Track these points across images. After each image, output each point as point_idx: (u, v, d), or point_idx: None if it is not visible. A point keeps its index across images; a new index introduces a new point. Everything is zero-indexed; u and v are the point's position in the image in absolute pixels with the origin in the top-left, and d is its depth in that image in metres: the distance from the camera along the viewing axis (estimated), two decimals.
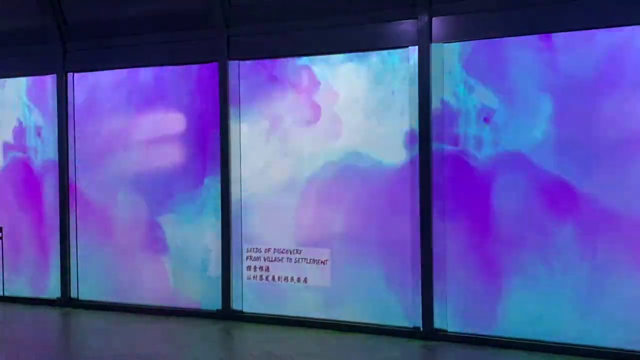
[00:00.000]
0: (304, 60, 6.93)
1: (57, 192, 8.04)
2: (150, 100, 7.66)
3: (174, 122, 7.55)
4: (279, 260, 7.08)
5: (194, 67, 7.42)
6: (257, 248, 7.18)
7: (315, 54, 6.87)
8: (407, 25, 6.46)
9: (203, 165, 7.39)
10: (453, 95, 6.28)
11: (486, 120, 6.14)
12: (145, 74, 7.65)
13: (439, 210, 6.33)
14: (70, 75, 8.02)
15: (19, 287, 8.34)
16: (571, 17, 5.82)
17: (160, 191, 7.61)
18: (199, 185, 7.42)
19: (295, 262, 7.01)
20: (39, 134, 8.22)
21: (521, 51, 6.01)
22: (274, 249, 7.10)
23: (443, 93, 6.31)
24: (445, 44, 6.30)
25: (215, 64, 7.27)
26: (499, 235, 6.08)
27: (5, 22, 8.15)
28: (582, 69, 5.78)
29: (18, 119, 8.36)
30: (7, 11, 8.06)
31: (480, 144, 6.17)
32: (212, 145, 7.33)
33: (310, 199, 6.91)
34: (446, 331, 6.33)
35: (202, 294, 7.44)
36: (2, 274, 8.49)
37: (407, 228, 6.47)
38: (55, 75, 8.06)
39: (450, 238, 6.28)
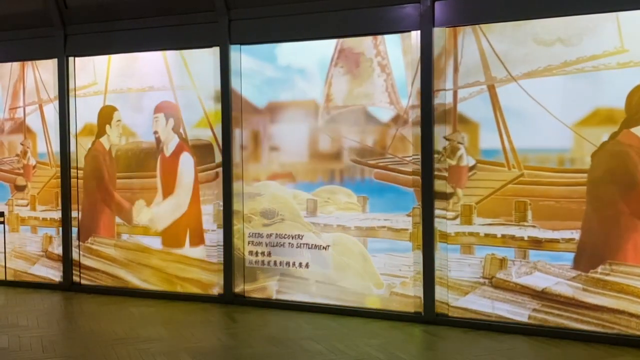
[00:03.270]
0: None
1: None
2: None
3: None
4: (281, 245, 7.08)
5: None
6: (259, 233, 7.18)
7: (317, 38, 6.84)
8: (410, 9, 6.42)
9: None
10: None
11: None
12: None
13: None
14: (71, 59, 8.02)
15: None
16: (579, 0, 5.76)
17: None
18: None
19: (297, 247, 7.01)
20: None
21: None
22: (276, 234, 7.10)
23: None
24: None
25: None
26: None
27: (6, 6, 8.10)
28: None
29: None
30: None
31: None
32: None
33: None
34: (447, 316, 6.35)
35: (204, 278, 7.47)
36: (5, 258, 8.52)
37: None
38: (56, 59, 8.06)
39: None
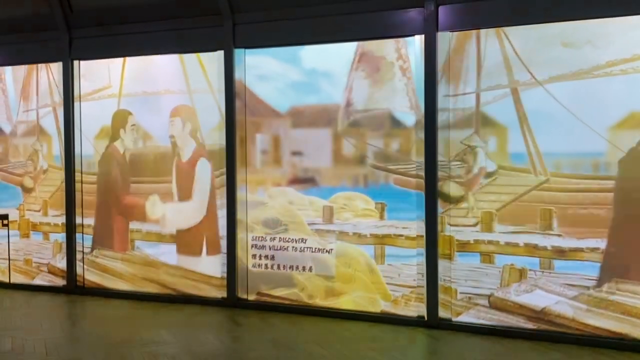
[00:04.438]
0: None
1: None
2: None
3: None
4: (284, 249, 7.08)
5: None
6: (262, 237, 7.18)
7: (321, 42, 6.85)
8: (414, 14, 6.43)
9: None
10: None
11: None
12: None
13: None
14: (76, 62, 8.04)
15: None
16: (586, 5, 5.74)
17: None
18: None
19: (300, 251, 7.00)
20: None
21: None
22: (279, 237, 7.10)
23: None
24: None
25: None
26: None
27: (11, 9, 8.13)
28: None
29: None
30: None
31: None
32: None
33: None
34: (451, 320, 6.34)
35: (207, 281, 7.47)
36: (9, 261, 8.52)
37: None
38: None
39: None
